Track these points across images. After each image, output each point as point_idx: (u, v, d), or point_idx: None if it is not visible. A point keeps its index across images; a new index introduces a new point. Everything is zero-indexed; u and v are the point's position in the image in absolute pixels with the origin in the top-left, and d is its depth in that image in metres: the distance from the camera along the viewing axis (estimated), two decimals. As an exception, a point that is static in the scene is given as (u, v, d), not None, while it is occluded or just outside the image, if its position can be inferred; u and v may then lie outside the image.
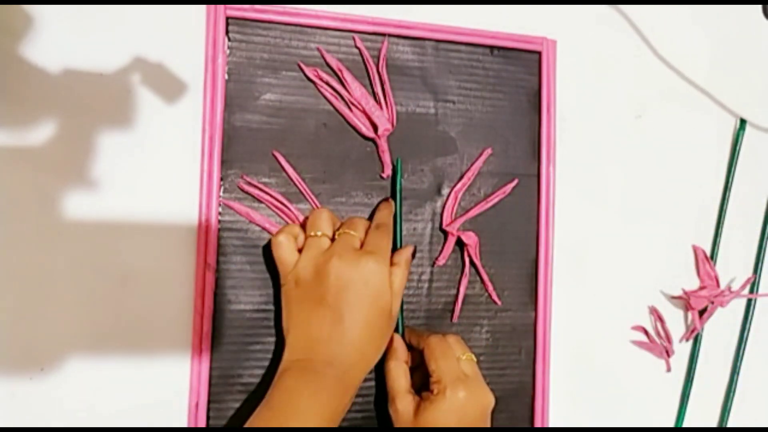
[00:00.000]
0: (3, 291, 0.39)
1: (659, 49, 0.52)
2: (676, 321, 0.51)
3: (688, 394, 0.51)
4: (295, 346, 0.37)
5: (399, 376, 0.39)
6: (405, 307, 0.45)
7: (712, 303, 0.51)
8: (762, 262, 0.53)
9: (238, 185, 0.42)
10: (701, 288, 0.51)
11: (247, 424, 0.34)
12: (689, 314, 0.51)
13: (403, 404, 0.38)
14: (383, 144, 0.44)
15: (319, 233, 0.38)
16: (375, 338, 0.37)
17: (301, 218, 0.43)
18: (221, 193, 0.42)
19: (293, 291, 0.38)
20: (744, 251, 0.54)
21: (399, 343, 0.41)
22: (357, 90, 0.44)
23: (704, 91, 0.53)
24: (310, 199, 0.43)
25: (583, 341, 0.49)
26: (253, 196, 0.42)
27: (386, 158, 0.44)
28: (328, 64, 0.44)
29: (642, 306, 0.51)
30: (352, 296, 0.36)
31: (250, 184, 0.42)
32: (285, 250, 0.39)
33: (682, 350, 0.52)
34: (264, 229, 0.42)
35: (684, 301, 0.51)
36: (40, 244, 0.39)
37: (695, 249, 0.52)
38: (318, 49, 0.44)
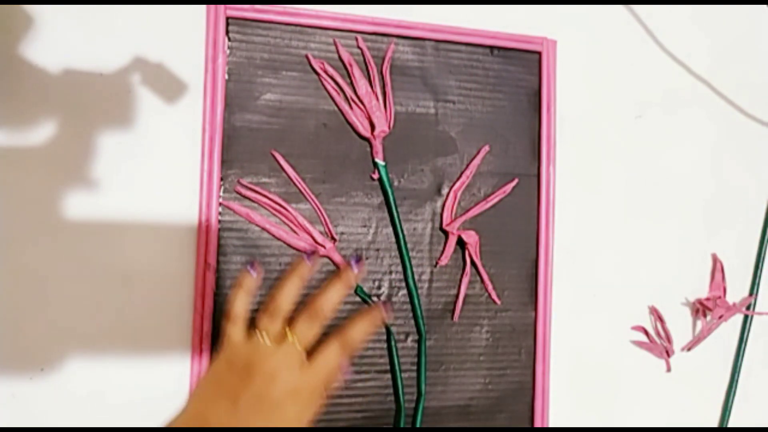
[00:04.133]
0: (3, 291, 0.39)
1: (659, 49, 0.52)
2: (676, 321, 0.51)
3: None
4: (191, 416, 0.36)
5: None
6: (404, 308, 0.45)
7: (721, 317, 0.51)
8: (762, 263, 0.54)
9: (235, 189, 0.42)
10: (715, 298, 0.51)
11: None
12: (695, 320, 0.51)
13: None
14: (377, 145, 0.44)
15: (265, 335, 0.36)
16: None
17: (300, 219, 0.43)
18: (221, 193, 0.42)
19: (220, 368, 0.37)
20: (743, 250, 0.54)
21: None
22: (363, 87, 0.44)
23: (704, 91, 0.53)
24: (310, 199, 0.43)
25: (583, 341, 0.49)
26: (250, 199, 0.42)
27: (379, 159, 0.44)
28: (340, 58, 0.44)
29: (642, 306, 0.51)
30: (263, 419, 0.35)
31: (247, 187, 0.42)
32: (236, 332, 0.37)
33: (682, 350, 0.52)
34: (264, 229, 0.42)
35: (695, 306, 0.51)
36: (40, 244, 0.39)
37: (714, 258, 0.52)
38: (333, 42, 0.44)
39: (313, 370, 0.36)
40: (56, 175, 0.40)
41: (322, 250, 0.43)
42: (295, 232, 0.43)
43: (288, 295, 0.37)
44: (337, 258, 0.43)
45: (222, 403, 0.36)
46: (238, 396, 0.36)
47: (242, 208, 0.42)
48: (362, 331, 0.37)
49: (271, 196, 0.43)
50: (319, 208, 0.43)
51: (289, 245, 0.43)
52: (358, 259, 0.39)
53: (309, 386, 0.36)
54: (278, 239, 0.43)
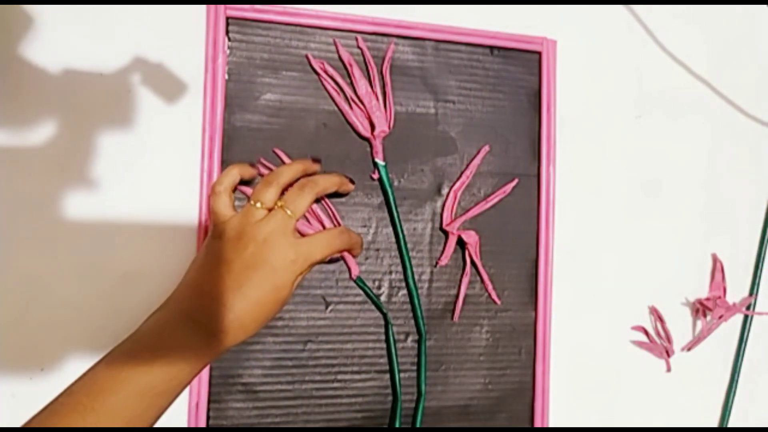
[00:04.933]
0: (3, 291, 0.39)
1: (659, 49, 0.52)
2: (676, 321, 0.51)
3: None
4: (185, 293, 0.37)
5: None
6: (404, 308, 0.45)
7: (721, 317, 0.51)
8: (762, 263, 0.54)
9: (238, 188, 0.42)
10: (715, 298, 0.51)
11: (109, 354, 0.34)
12: (695, 320, 0.51)
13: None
14: (377, 145, 0.44)
15: (258, 205, 0.38)
16: (260, 317, 0.37)
17: (313, 206, 0.43)
18: (221, 193, 0.42)
19: (212, 242, 0.38)
20: (743, 250, 0.54)
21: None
22: (363, 87, 0.44)
23: (704, 91, 0.53)
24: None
25: (583, 341, 0.49)
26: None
27: (379, 159, 0.44)
28: (340, 58, 0.44)
29: (642, 306, 0.51)
30: (259, 276, 0.36)
31: (264, 165, 0.43)
32: (221, 204, 0.39)
33: (682, 350, 0.52)
34: None
35: (695, 306, 0.51)
36: (40, 244, 0.39)
37: (714, 258, 0.52)
38: (334, 41, 0.44)
39: (306, 240, 0.38)
40: (56, 175, 0.40)
41: None
42: (307, 220, 0.43)
43: (287, 171, 0.40)
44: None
45: (217, 270, 0.36)
46: (232, 262, 0.36)
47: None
48: (331, 180, 0.41)
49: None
50: (325, 201, 0.43)
51: (301, 233, 0.43)
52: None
53: (301, 253, 0.38)
54: None
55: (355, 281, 0.44)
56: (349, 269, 0.44)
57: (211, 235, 0.38)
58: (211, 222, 0.39)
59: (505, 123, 0.48)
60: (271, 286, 0.37)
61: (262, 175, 0.42)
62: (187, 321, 0.35)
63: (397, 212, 0.45)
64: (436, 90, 0.46)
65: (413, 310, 0.45)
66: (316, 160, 0.42)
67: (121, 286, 0.40)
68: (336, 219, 0.44)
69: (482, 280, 0.46)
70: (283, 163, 0.43)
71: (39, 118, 0.40)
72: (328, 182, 0.41)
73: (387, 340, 0.44)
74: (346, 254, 0.43)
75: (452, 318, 0.46)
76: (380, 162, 0.44)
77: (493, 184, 0.47)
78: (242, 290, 0.36)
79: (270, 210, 0.38)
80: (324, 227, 0.43)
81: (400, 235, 0.45)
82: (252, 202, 0.38)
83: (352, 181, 0.43)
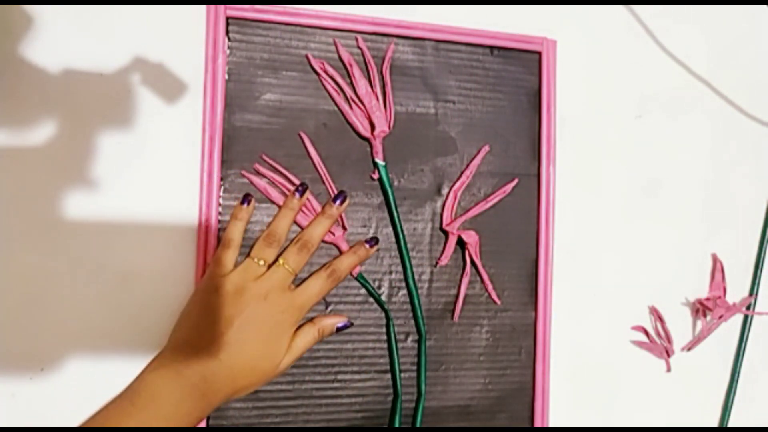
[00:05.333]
0: (3, 291, 0.39)
1: (659, 49, 0.52)
2: (676, 321, 0.51)
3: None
4: (178, 347, 0.38)
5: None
6: (404, 308, 0.45)
7: (721, 317, 0.51)
8: (762, 263, 0.54)
9: (254, 167, 0.42)
10: (715, 298, 0.51)
11: (103, 410, 0.34)
12: (695, 320, 0.51)
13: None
14: (377, 145, 0.44)
15: (261, 263, 0.40)
16: (252, 373, 0.38)
17: (314, 202, 0.43)
18: (221, 193, 0.42)
19: (208, 297, 0.38)
20: (743, 250, 0.54)
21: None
22: (363, 87, 0.44)
23: (704, 91, 0.53)
24: (327, 183, 0.44)
25: (583, 341, 0.49)
26: (267, 177, 0.43)
27: (379, 159, 0.44)
28: (340, 58, 0.44)
29: (642, 306, 0.51)
30: (258, 331, 0.38)
31: (268, 165, 0.43)
32: (229, 257, 0.40)
33: (682, 350, 0.52)
34: (279, 207, 0.42)
35: (696, 306, 0.51)
36: (40, 244, 0.39)
37: (714, 258, 0.52)
38: (333, 41, 0.44)
39: (300, 290, 0.40)
40: (56, 175, 0.40)
41: (331, 237, 0.43)
42: (306, 214, 0.43)
43: (281, 225, 0.41)
44: (345, 247, 0.43)
45: (214, 327, 0.37)
46: (232, 318, 0.37)
47: (261, 181, 0.42)
48: (348, 262, 0.42)
49: (289, 176, 0.43)
50: (332, 189, 0.44)
51: (302, 228, 0.43)
52: (342, 198, 0.43)
53: (297, 305, 0.40)
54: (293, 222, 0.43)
55: (357, 279, 0.44)
56: None
57: (205, 288, 0.39)
58: (208, 272, 0.40)
59: (505, 123, 0.48)
60: (268, 339, 0.38)
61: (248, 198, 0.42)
62: (182, 383, 0.35)
63: (397, 212, 0.45)
64: (436, 90, 0.46)
65: (413, 310, 0.45)
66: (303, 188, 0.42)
67: (121, 286, 0.40)
68: (341, 220, 0.44)
69: (482, 280, 0.46)
70: (276, 170, 0.43)
71: (39, 118, 0.40)
72: (320, 238, 0.42)
73: (388, 338, 0.44)
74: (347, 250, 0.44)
75: (452, 318, 0.46)
76: (380, 162, 0.44)
77: (493, 184, 0.47)
78: (240, 345, 0.37)
79: (269, 266, 0.40)
80: None
81: (400, 235, 0.45)
82: (254, 259, 0.40)
83: (374, 243, 0.43)
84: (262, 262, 0.40)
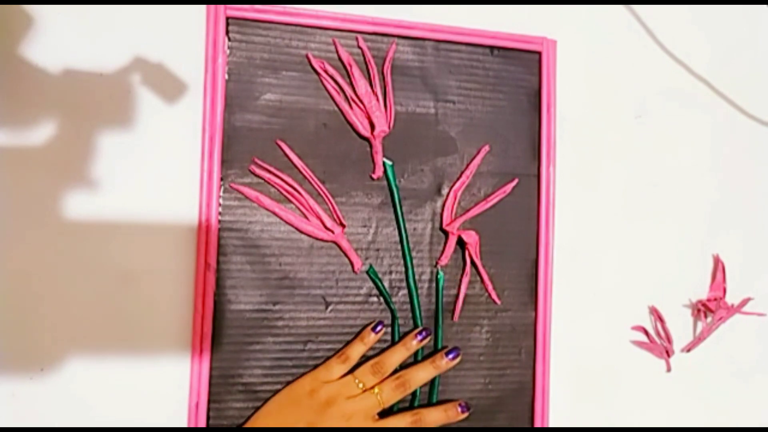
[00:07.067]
0: (3, 291, 0.39)
1: (659, 49, 0.52)
2: (676, 322, 0.51)
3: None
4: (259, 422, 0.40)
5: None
6: (404, 308, 0.45)
7: (721, 317, 0.51)
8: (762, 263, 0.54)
9: (249, 168, 0.42)
10: (717, 299, 0.51)
11: None
12: (696, 321, 0.51)
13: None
14: (377, 145, 0.44)
15: (360, 385, 0.41)
16: None
17: (311, 202, 0.43)
18: (221, 193, 0.42)
19: (302, 391, 0.41)
20: (744, 250, 0.54)
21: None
22: (363, 87, 0.44)
23: (704, 91, 0.53)
24: (318, 187, 0.43)
25: (583, 341, 0.49)
26: (264, 179, 0.43)
27: (378, 159, 0.44)
28: (340, 58, 0.44)
29: (642, 306, 0.51)
30: None
31: (262, 167, 0.42)
32: (341, 370, 0.42)
33: (682, 351, 0.52)
34: (273, 213, 0.42)
35: (697, 307, 0.51)
36: (40, 244, 0.39)
37: (716, 259, 0.52)
38: (333, 41, 0.44)
39: (381, 425, 0.41)
40: (56, 175, 0.40)
41: (330, 235, 0.43)
42: (305, 216, 0.43)
43: (393, 359, 0.43)
44: (345, 245, 0.44)
45: (294, 423, 0.40)
46: (313, 422, 0.40)
47: (252, 191, 0.42)
48: (437, 417, 0.43)
49: (284, 177, 0.43)
50: (326, 194, 0.43)
51: (300, 230, 0.43)
52: (426, 333, 0.44)
53: None
54: (288, 224, 0.43)
55: (367, 273, 0.44)
56: (352, 264, 0.44)
57: (304, 385, 0.41)
58: (314, 372, 0.42)
59: (505, 123, 0.48)
60: None
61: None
62: None
63: (402, 211, 0.45)
64: (436, 90, 0.46)
65: (413, 310, 0.45)
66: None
67: (121, 286, 0.40)
68: (338, 217, 0.44)
69: (482, 280, 0.46)
70: (271, 172, 0.43)
71: (39, 118, 0.40)
72: (420, 384, 0.43)
73: (393, 336, 0.44)
74: (348, 251, 0.44)
75: (452, 318, 0.46)
76: (387, 162, 0.44)
77: (493, 184, 0.47)
78: None
79: (365, 390, 0.41)
80: (324, 225, 0.43)
81: (404, 235, 0.45)
82: (355, 379, 0.41)
83: (464, 409, 0.44)
84: (361, 385, 0.41)
